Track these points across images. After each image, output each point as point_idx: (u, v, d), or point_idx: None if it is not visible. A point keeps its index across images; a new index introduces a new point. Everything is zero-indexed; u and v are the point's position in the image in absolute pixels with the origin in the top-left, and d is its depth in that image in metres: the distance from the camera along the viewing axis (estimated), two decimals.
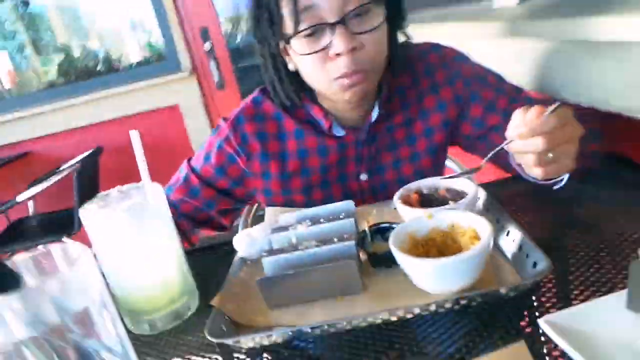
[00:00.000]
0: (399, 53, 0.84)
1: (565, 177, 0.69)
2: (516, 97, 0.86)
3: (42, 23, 4.26)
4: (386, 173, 0.90)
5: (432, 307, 0.54)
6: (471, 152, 0.93)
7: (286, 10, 0.73)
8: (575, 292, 0.53)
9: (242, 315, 0.62)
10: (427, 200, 0.71)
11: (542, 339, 0.47)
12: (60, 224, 2.40)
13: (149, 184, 0.62)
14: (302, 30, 0.73)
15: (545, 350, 0.46)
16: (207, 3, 2.68)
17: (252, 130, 0.89)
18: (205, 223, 0.96)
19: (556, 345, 0.44)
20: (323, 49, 0.74)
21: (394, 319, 0.54)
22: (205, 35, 2.73)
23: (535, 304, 0.54)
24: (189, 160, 0.95)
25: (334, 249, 0.63)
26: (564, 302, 0.52)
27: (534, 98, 0.88)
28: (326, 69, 0.76)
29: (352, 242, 0.63)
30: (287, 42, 0.76)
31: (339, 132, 0.88)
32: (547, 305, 0.53)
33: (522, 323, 0.51)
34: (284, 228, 0.72)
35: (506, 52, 1.18)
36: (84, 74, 3.08)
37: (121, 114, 2.79)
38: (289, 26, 0.74)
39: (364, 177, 0.90)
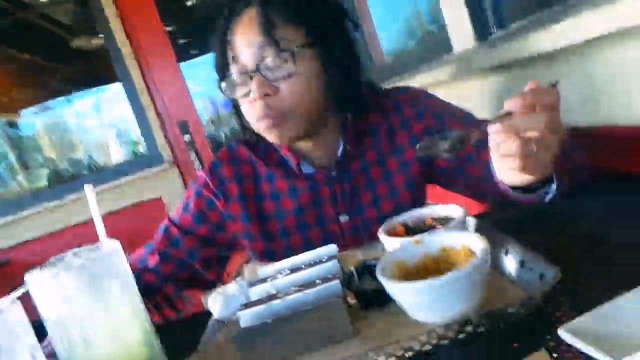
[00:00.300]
0: (361, 93, 0.86)
1: (554, 186, 0.65)
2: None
3: (30, 142, 4.37)
4: (366, 212, 0.88)
5: (433, 339, 0.47)
6: (449, 188, 0.92)
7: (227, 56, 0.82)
8: (591, 300, 0.47)
9: None
10: (414, 231, 0.65)
11: (563, 347, 0.39)
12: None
13: (105, 241, 0.56)
14: (229, 76, 0.82)
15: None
16: (185, 96, 2.78)
17: (228, 173, 0.90)
18: (189, 281, 0.92)
19: (581, 353, 0.37)
20: (245, 95, 0.81)
21: (383, 359, 0.46)
22: (184, 127, 2.79)
23: (551, 318, 0.46)
24: (168, 217, 0.94)
25: (318, 292, 0.56)
26: (582, 310, 0.45)
27: None
28: (250, 112, 0.82)
29: (337, 281, 0.56)
30: (219, 83, 0.84)
31: (308, 169, 0.88)
32: (563, 318, 0.45)
33: (540, 337, 0.43)
34: (262, 280, 0.65)
35: (470, 91, 1.20)
36: (68, 179, 3.09)
37: (105, 210, 2.73)
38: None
39: (343, 218, 0.88)
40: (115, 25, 2.62)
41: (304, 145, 0.87)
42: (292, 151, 0.87)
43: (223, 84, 0.83)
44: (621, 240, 0.57)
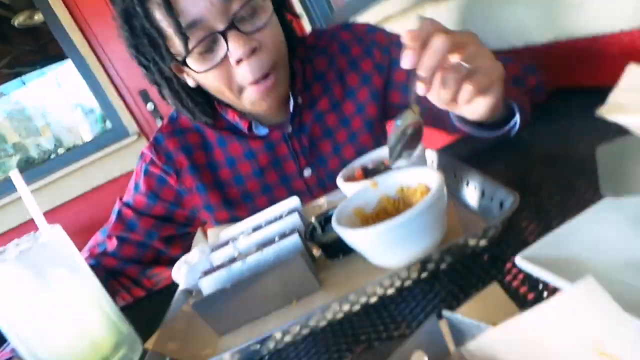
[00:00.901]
0: (299, 37, 0.81)
1: (517, 118, 0.62)
2: None
3: None
4: (329, 162, 0.84)
5: (396, 281, 0.45)
6: None
7: (170, 30, 0.66)
8: (554, 223, 0.45)
9: (186, 352, 0.52)
10: (374, 174, 0.63)
11: (520, 276, 0.38)
12: None
13: (44, 227, 0.53)
14: (193, 48, 0.66)
15: (521, 286, 0.37)
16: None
17: (174, 145, 0.83)
18: (154, 261, 0.87)
19: (535, 280, 0.35)
20: (222, 60, 0.68)
21: (348, 307, 0.45)
22: (145, 96, 2.68)
23: (512, 246, 0.45)
24: (120, 198, 0.88)
25: (277, 249, 0.54)
26: (545, 233, 0.44)
27: None
28: (233, 80, 0.70)
29: (295, 236, 0.54)
30: (183, 63, 0.69)
31: (261, 131, 0.82)
32: (529, 242, 0.44)
33: (499, 267, 0.42)
34: (224, 244, 0.62)
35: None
36: (39, 164, 2.98)
37: (80, 191, 2.67)
38: (177, 45, 0.67)
39: (307, 172, 0.84)
40: None
41: None
42: (241, 115, 0.80)
43: (190, 61, 0.68)
44: (579, 158, 0.55)
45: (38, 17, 3.33)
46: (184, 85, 0.76)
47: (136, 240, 0.84)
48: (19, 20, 3.46)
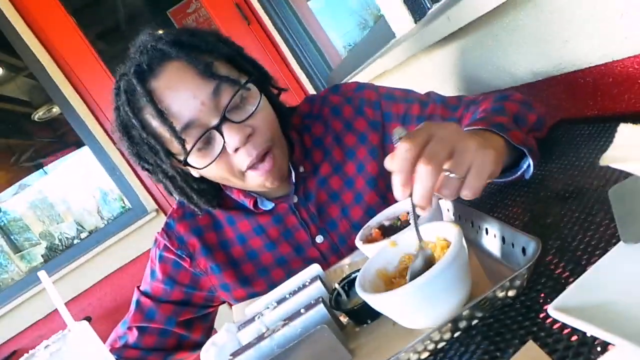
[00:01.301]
0: (297, 109, 0.84)
1: (529, 161, 0.62)
2: (426, 101, 0.84)
3: (16, 223, 4.31)
4: (339, 225, 0.84)
5: (429, 345, 0.44)
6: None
7: (167, 135, 0.69)
8: (582, 262, 0.44)
9: None
10: (391, 232, 0.63)
11: (554, 327, 0.37)
12: None
13: (72, 325, 0.53)
14: (192, 148, 0.69)
15: (557, 338, 0.36)
16: None
17: (185, 229, 0.84)
18: (177, 348, 0.86)
19: (571, 329, 0.34)
20: (221, 152, 0.70)
21: None
22: None
23: (545, 290, 0.44)
24: (138, 287, 0.88)
25: (304, 321, 0.54)
26: (575, 274, 0.43)
27: (441, 96, 0.85)
28: (234, 167, 0.72)
29: (320, 305, 0.54)
30: (185, 164, 0.72)
31: (267, 205, 0.83)
32: (559, 286, 0.43)
33: (531, 319, 0.41)
34: (251, 320, 0.62)
35: (420, 69, 1.18)
36: (62, 251, 3.04)
37: (103, 275, 2.69)
38: (177, 145, 0.70)
39: (319, 239, 0.84)
40: (68, 91, 2.61)
41: None
42: (245, 193, 0.81)
43: (191, 159, 0.70)
44: (594, 191, 0.54)
45: (55, 109, 3.53)
46: (188, 179, 0.77)
47: (157, 329, 0.84)
48: (38, 115, 3.66)
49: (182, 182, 0.77)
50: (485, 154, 0.50)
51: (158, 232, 0.86)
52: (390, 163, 0.48)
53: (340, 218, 0.84)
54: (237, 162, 0.71)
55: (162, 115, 0.67)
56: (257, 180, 0.74)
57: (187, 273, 0.84)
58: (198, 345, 0.88)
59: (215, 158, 0.70)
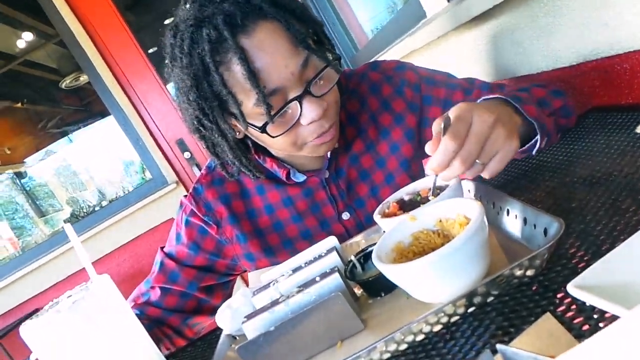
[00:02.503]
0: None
1: (537, 139, 0.63)
2: (469, 88, 0.82)
3: (41, 189, 4.44)
4: (367, 204, 0.83)
5: (442, 318, 0.44)
6: None
7: (250, 101, 0.66)
8: (604, 247, 0.43)
9: None
10: (410, 207, 0.62)
11: (573, 306, 0.36)
12: None
13: (94, 277, 0.55)
14: (275, 115, 0.67)
15: (575, 316, 0.36)
16: (176, 116, 2.77)
17: (213, 196, 0.84)
18: (196, 311, 0.88)
19: (590, 307, 0.34)
20: (295, 122, 0.69)
21: (394, 347, 0.44)
22: (182, 145, 2.78)
23: (564, 272, 0.43)
24: (162, 248, 0.89)
25: (319, 289, 0.54)
26: (595, 259, 0.42)
27: (487, 83, 0.83)
28: (299, 137, 0.71)
29: (336, 274, 0.54)
30: (262, 130, 0.69)
31: (299, 178, 0.83)
32: (579, 269, 0.42)
33: (548, 298, 0.40)
34: (266, 286, 0.63)
35: (450, 50, 1.16)
36: (84, 217, 3.13)
37: (124, 241, 2.76)
38: (250, 110, 0.67)
39: (345, 215, 0.84)
40: (97, 61, 2.63)
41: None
42: (279, 164, 0.81)
43: (271, 128, 0.68)
44: (622, 178, 0.53)
45: (83, 78, 3.59)
46: (239, 143, 0.76)
47: (178, 291, 0.85)
48: (66, 82, 3.73)
49: (240, 147, 0.75)
50: (512, 143, 0.55)
51: (185, 196, 0.86)
52: (431, 152, 0.54)
53: (369, 197, 0.84)
54: (307, 133, 0.71)
55: (254, 76, 0.63)
56: (315, 149, 0.74)
57: (213, 240, 0.85)
58: (215, 311, 0.89)
59: (290, 127, 0.69)
